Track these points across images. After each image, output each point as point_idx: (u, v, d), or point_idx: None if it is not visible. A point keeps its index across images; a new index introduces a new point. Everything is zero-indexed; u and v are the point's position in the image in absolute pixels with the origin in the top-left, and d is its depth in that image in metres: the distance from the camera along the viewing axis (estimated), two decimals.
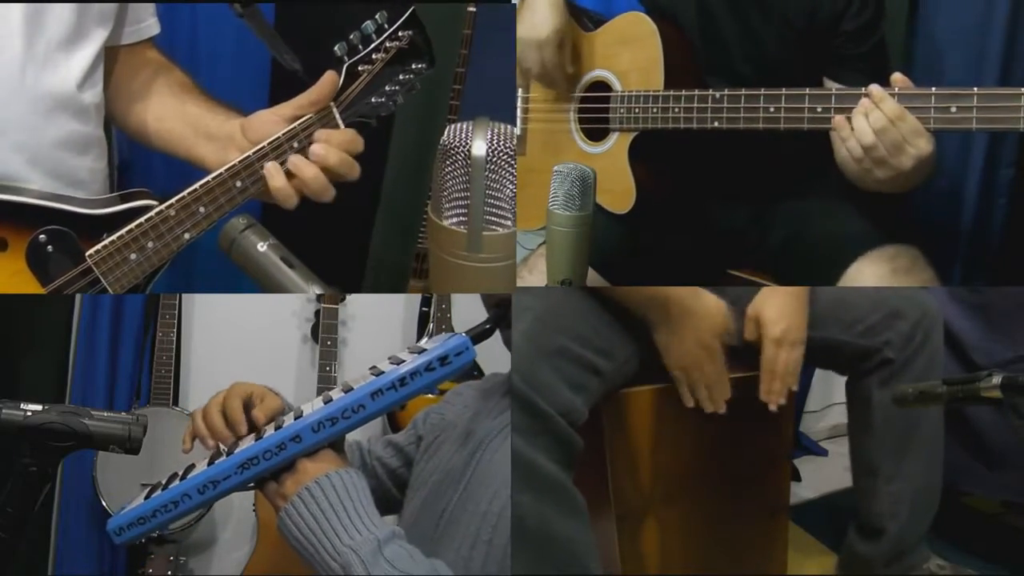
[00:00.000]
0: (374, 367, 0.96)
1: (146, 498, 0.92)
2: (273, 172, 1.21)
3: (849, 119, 1.29)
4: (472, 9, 1.96)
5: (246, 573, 2.15)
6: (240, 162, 1.22)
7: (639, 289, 1.31)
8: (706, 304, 1.29)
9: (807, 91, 1.36)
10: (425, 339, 2.37)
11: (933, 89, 1.25)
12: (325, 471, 0.89)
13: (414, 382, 0.90)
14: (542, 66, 1.56)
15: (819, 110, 1.35)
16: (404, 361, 0.92)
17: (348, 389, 0.93)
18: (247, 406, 1.01)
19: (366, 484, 0.92)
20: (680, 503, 1.43)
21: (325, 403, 0.92)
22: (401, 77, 1.21)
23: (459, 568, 0.94)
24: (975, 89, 1.22)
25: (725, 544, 1.49)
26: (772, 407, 1.31)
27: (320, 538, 0.86)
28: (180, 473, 0.95)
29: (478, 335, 0.98)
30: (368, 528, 0.87)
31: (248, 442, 0.93)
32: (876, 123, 1.26)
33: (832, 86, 1.45)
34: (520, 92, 1.71)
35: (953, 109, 1.24)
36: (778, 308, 1.32)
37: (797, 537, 1.84)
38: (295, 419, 0.93)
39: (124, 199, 1.28)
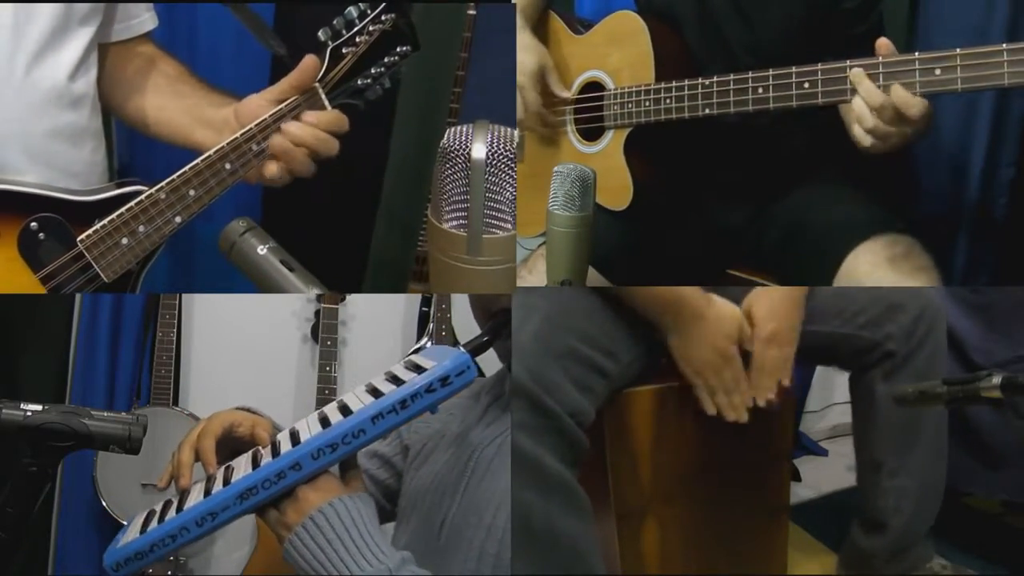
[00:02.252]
0: (369, 384, 0.95)
1: (142, 531, 0.90)
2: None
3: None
4: (472, 12, 1.96)
5: (246, 573, 2.15)
6: (228, 144, 1.25)
7: (650, 292, 1.30)
8: (719, 309, 1.29)
9: (793, 69, 1.36)
10: (425, 339, 2.37)
11: (916, 54, 1.25)
12: (327, 499, 0.87)
13: (415, 404, 0.88)
14: (535, 106, 1.60)
15: (806, 86, 1.35)
16: (400, 379, 0.90)
17: (344, 408, 0.91)
18: (230, 439, 1.00)
19: (372, 508, 0.90)
20: (680, 503, 1.43)
21: (321, 422, 0.90)
22: (386, 60, 1.25)
23: None
24: (957, 50, 1.22)
25: (725, 544, 1.48)
26: (760, 402, 1.30)
27: (328, 569, 0.84)
28: (175, 502, 0.93)
29: (476, 348, 0.97)
30: (377, 557, 0.85)
31: (246, 470, 0.90)
32: (870, 97, 1.26)
33: None
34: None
35: (937, 71, 1.23)
36: (769, 308, 1.31)
37: (797, 537, 1.84)
38: (290, 438, 0.91)
39: (115, 186, 1.30)
